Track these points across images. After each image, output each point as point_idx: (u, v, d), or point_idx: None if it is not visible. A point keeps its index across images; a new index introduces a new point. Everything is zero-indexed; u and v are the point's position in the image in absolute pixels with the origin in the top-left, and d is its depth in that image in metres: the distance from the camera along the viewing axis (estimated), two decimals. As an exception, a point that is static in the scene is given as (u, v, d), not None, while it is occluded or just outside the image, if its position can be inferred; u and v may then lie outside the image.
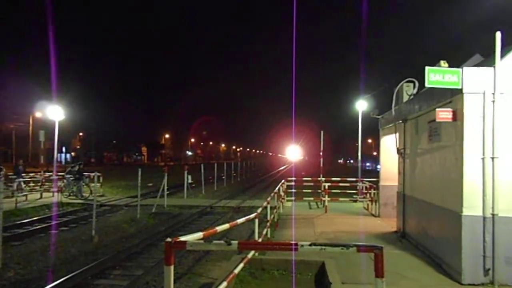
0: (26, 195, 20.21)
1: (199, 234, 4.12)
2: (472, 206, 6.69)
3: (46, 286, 7.50)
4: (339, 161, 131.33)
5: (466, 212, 6.69)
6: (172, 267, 3.49)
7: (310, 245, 3.34)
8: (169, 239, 3.50)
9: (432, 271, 7.51)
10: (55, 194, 20.50)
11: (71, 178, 21.94)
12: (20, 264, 9.33)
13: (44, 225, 13.78)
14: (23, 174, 22.34)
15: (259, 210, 8.66)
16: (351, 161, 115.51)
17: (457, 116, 7.03)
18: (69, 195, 21.60)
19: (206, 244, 3.73)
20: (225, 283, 5.32)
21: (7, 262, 9.27)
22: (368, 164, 79.93)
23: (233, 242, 3.45)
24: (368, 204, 16.26)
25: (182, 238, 3.64)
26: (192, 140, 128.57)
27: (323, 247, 3.33)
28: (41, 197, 20.85)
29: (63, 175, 22.27)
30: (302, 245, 3.33)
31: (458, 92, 6.91)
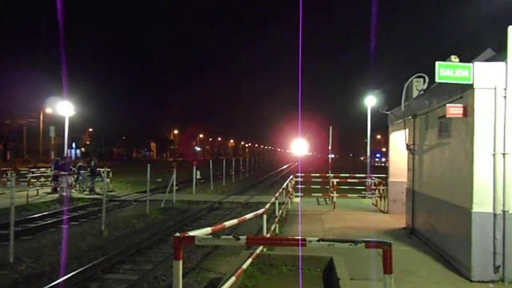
0: (37, 190, 20.50)
1: (208, 229, 4.13)
2: (482, 202, 6.63)
3: (57, 279, 7.61)
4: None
5: (476, 208, 6.63)
6: (180, 262, 3.51)
7: (318, 240, 3.34)
8: (178, 234, 3.52)
9: (441, 268, 7.47)
10: (66, 189, 20.71)
11: (86, 174, 22.16)
12: (31, 258, 9.46)
13: (54, 220, 13.95)
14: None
15: (267, 205, 8.67)
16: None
17: (468, 112, 6.95)
18: (83, 190, 21.84)
19: (214, 239, 3.75)
20: (233, 278, 5.34)
21: (19, 256, 9.40)
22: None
23: (241, 237, 3.46)
24: (376, 200, 16.18)
25: (191, 233, 3.65)
26: (201, 135, 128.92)
27: (332, 242, 3.33)
28: (52, 192, 21.09)
29: (73, 171, 22.48)
30: (310, 241, 3.33)
31: (469, 87, 6.83)
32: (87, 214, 15.47)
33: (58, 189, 21.27)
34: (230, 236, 3.56)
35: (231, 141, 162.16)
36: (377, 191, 16.46)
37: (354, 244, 3.25)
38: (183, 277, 8.04)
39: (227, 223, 5.26)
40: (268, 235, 8.58)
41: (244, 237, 3.46)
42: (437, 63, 7.00)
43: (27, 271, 8.61)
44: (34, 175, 21.72)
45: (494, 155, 6.66)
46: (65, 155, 24.48)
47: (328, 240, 3.35)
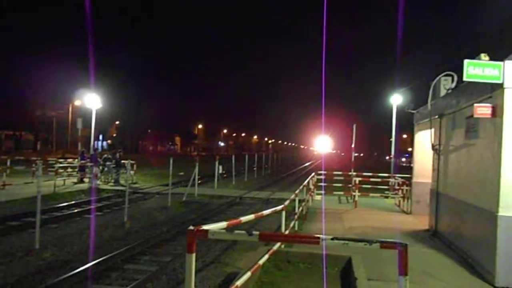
0: (64, 180, 21.09)
1: (223, 224, 4.15)
2: (509, 206, 6.40)
3: (79, 267, 7.81)
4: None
5: (502, 212, 6.41)
6: (194, 255, 3.53)
7: (332, 239, 3.29)
8: (192, 227, 3.54)
9: (464, 272, 7.27)
10: (93, 180, 21.22)
11: (111, 165, 22.65)
12: (56, 246, 9.74)
13: (79, 210, 14.31)
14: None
15: (287, 202, 8.63)
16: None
17: (497, 112, 6.71)
18: (108, 182, 22.32)
19: (227, 233, 3.75)
20: (249, 273, 5.35)
21: (45, 243, 9.69)
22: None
23: (254, 233, 3.45)
24: (400, 201, 15.89)
25: (205, 227, 3.67)
26: (225, 131, 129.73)
27: (346, 241, 3.27)
28: (78, 182, 21.67)
29: (99, 162, 22.99)
30: (324, 239, 3.28)
31: (499, 87, 6.60)
32: (111, 205, 15.81)
33: (84, 179, 21.84)
34: (243, 231, 3.56)
35: (255, 137, 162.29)
36: (400, 191, 16.15)
37: (369, 244, 3.18)
38: (201, 270, 8.13)
39: (243, 219, 5.26)
40: (287, 232, 8.55)
41: (257, 232, 3.45)
42: (465, 61, 6.79)
43: (51, 258, 8.86)
44: (61, 165, 22.34)
45: (523, 157, 6.42)
46: (95, 147, 25.05)
47: (342, 239, 3.29)
